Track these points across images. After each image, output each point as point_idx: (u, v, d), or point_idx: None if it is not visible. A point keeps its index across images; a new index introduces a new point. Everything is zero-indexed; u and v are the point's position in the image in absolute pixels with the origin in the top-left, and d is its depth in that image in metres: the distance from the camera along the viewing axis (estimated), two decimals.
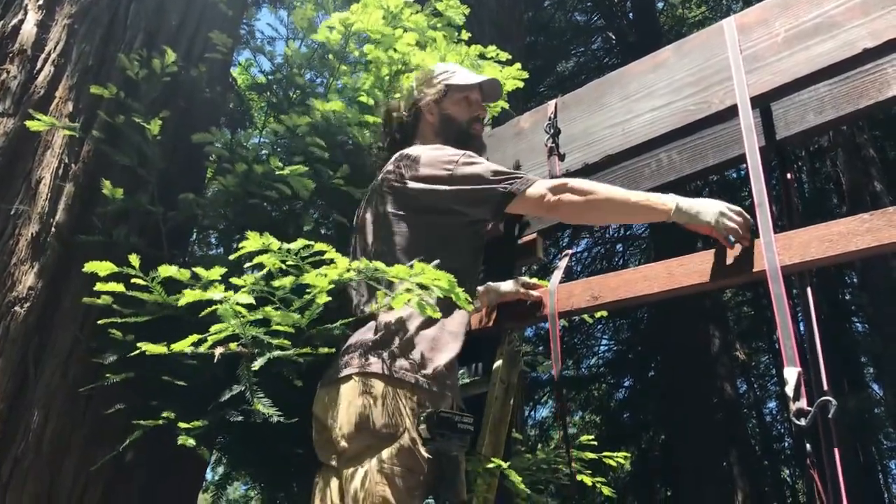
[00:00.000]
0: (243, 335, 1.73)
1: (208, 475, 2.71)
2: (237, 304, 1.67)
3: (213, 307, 1.69)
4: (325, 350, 1.85)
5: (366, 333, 1.92)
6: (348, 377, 1.86)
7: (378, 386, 1.82)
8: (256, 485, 2.71)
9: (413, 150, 2.10)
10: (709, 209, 1.92)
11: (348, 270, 1.69)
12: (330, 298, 1.76)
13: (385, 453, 1.74)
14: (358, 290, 2.03)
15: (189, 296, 1.68)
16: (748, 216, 1.93)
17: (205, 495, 2.91)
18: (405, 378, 1.82)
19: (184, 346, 1.69)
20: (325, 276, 1.68)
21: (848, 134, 10.64)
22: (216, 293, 1.66)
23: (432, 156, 2.05)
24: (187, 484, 2.38)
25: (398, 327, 1.89)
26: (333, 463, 1.83)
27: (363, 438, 1.78)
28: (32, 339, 2.00)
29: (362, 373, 1.84)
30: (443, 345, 1.92)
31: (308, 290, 1.73)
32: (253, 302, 1.67)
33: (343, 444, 1.81)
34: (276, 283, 1.71)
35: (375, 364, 1.83)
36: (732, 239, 1.95)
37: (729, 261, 2.00)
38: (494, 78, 2.32)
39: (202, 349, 1.72)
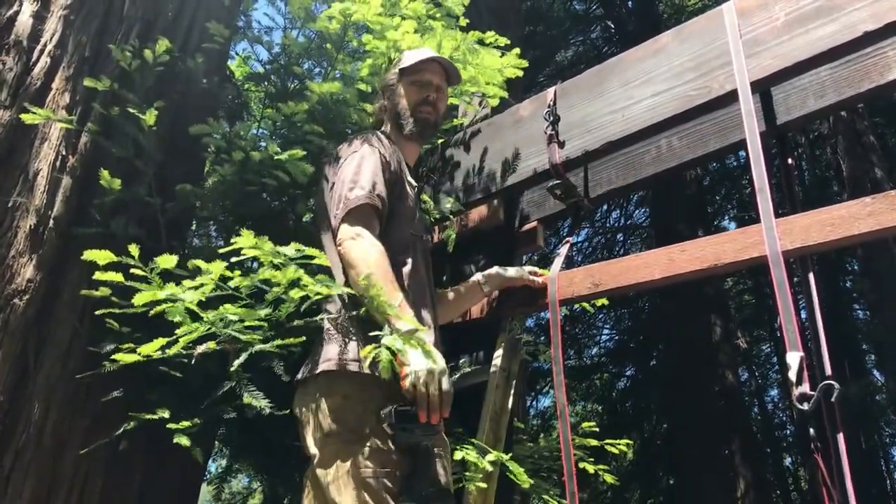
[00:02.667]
0: (220, 333, 1.73)
1: (211, 466, 2.71)
2: (189, 302, 1.66)
3: (163, 307, 1.68)
4: (295, 340, 1.82)
5: (327, 332, 1.92)
6: (313, 378, 1.87)
7: (341, 387, 1.83)
8: (258, 476, 2.71)
9: (350, 139, 2.14)
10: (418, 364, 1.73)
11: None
12: (304, 293, 1.76)
13: (357, 457, 1.74)
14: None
15: (142, 297, 1.68)
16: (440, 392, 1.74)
17: (208, 487, 2.91)
18: (366, 376, 1.82)
19: (152, 349, 1.69)
20: (297, 288, 1.68)
21: (848, 121, 10.59)
22: (163, 291, 1.66)
23: (348, 148, 2.09)
24: (188, 475, 2.38)
25: (354, 323, 1.89)
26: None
27: (332, 443, 1.79)
28: (32, 332, 2.00)
29: (325, 374, 1.85)
30: None
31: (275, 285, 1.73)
32: (203, 299, 1.66)
33: (314, 449, 1.81)
34: (233, 283, 1.70)
35: (335, 364, 1.84)
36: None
37: (731, 246, 1.99)
38: (441, 56, 2.30)
39: (173, 350, 1.71)
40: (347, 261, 1.86)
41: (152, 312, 1.68)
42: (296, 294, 1.69)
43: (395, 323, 1.75)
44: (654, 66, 2.31)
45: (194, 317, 1.72)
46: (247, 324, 1.70)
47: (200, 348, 1.73)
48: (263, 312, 1.71)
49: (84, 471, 2.01)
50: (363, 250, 1.86)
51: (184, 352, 1.73)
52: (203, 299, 1.65)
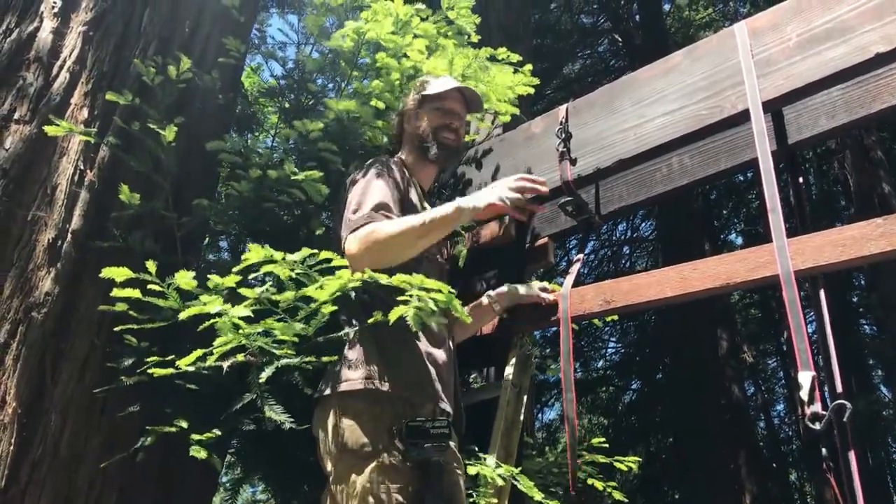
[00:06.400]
0: (249, 346, 1.75)
1: (222, 476, 2.72)
2: (236, 317, 1.68)
3: (212, 321, 1.70)
4: (328, 358, 1.86)
5: (344, 351, 1.95)
6: (329, 397, 1.90)
7: (355, 405, 1.85)
8: (269, 488, 2.72)
9: (364, 166, 2.16)
10: (490, 191, 2.06)
11: (344, 286, 1.70)
12: (336, 308, 1.78)
13: (370, 472, 1.76)
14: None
15: (189, 311, 1.70)
16: (529, 181, 2.10)
17: (215, 498, 2.92)
18: (379, 393, 1.85)
19: (188, 361, 1.71)
20: (324, 288, 1.69)
21: (856, 136, 10.60)
22: (214, 306, 1.68)
23: (359, 175, 2.12)
24: (201, 487, 2.39)
25: (367, 341, 1.92)
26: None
27: (346, 459, 1.81)
28: (49, 345, 2.01)
29: (339, 392, 1.87)
30: (415, 353, 1.95)
31: (314, 300, 1.74)
32: (251, 314, 1.68)
33: (329, 465, 1.84)
34: (276, 298, 1.73)
35: (350, 382, 1.87)
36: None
37: (743, 265, 2.00)
38: (467, 87, 2.32)
39: (209, 363, 1.73)
40: (359, 258, 1.87)
41: (201, 328, 1.71)
42: (327, 309, 1.71)
43: (438, 213, 1.94)
44: (666, 85, 2.33)
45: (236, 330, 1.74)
46: (279, 338, 1.72)
47: (228, 361, 1.75)
48: (298, 327, 1.73)
49: (99, 483, 2.03)
50: (363, 235, 1.89)
51: (209, 364, 1.75)
52: (251, 315, 1.67)
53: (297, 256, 1.70)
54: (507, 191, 2.05)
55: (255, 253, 1.67)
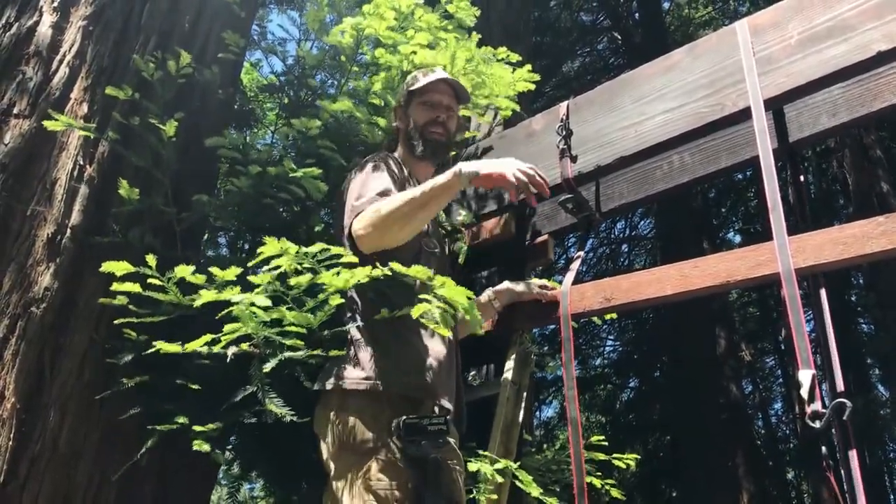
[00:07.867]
0: (256, 335, 1.75)
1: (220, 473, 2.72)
2: (253, 305, 1.68)
3: (230, 309, 1.70)
4: (336, 352, 1.86)
5: (347, 346, 1.94)
6: (330, 395, 1.90)
7: (355, 402, 1.86)
8: (267, 485, 2.72)
9: (361, 162, 2.16)
10: (498, 163, 1.99)
11: (367, 276, 1.70)
12: (343, 300, 1.78)
13: (369, 469, 1.77)
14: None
15: (205, 297, 1.70)
16: (539, 175, 2.03)
17: (214, 496, 2.92)
18: (378, 391, 1.85)
19: (197, 345, 1.72)
20: (341, 275, 1.69)
21: (855, 135, 10.59)
22: (234, 295, 1.68)
23: (357, 171, 2.11)
24: (200, 483, 2.39)
25: (368, 338, 1.92)
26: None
27: (346, 457, 1.82)
28: (48, 340, 2.01)
29: (338, 389, 1.87)
30: (416, 350, 1.94)
31: (322, 290, 1.74)
32: (269, 304, 1.68)
33: (330, 463, 1.84)
34: (292, 282, 1.73)
35: (351, 381, 1.87)
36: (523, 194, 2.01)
37: (743, 263, 2.00)
38: (453, 78, 2.31)
39: (216, 349, 1.73)
40: (367, 236, 1.88)
41: (219, 316, 1.71)
42: (335, 301, 1.71)
43: (438, 180, 1.90)
44: (667, 83, 2.32)
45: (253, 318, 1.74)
46: (286, 328, 1.73)
47: (232, 349, 1.75)
48: (310, 316, 1.73)
49: (98, 479, 2.03)
50: (369, 214, 1.90)
51: (214, 351, 1.75)
52: (270, 303, 1.67)
53: (312, 249, 1.70)
54: (517, 169, 1.97)
55: (270, 246, 1.67)
